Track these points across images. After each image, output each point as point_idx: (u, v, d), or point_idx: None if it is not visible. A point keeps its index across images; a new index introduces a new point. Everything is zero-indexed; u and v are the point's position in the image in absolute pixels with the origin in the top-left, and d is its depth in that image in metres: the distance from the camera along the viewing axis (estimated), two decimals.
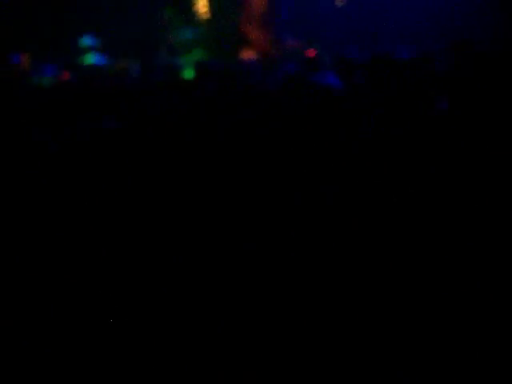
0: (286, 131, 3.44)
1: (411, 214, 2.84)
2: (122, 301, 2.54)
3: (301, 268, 2.64)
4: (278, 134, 3.44)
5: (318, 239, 2.77)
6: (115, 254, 2.77)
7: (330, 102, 3.60)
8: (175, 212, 3.03)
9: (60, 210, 3.05)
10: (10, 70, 7.52)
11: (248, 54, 8.23)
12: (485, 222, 2.73)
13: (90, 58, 8.68)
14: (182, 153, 3.43)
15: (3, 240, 2.84)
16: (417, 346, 2.22)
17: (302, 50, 7.92)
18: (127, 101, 4.28)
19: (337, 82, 3.62)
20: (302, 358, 2.23)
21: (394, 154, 3.18)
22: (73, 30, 8.57)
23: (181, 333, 2.35)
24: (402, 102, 3.50)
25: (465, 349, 2.18)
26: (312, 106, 3.58)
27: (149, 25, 8.75)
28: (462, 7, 8.26)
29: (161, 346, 2.29)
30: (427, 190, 2.95)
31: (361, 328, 2.33)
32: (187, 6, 9.10)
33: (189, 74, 6.99)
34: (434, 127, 3.30)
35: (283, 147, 3.34)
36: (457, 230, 2.72)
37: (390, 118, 3.42)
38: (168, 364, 2.23)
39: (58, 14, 8.48)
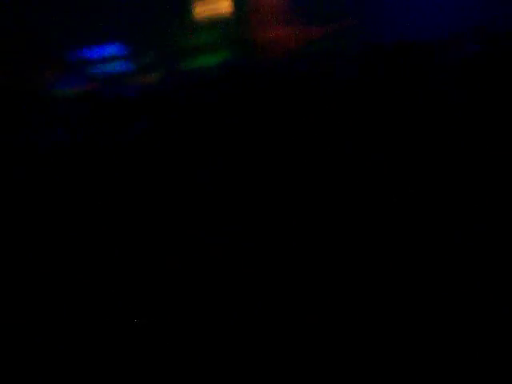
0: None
1: (410, 214, 2.81)
2: (122, 300, 2.56)
3: (300, 267, 2.63)
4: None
5: (316, 240, 2.75)
6: (116, 251, 2.80)
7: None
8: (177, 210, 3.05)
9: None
10: (35, 80, 7.60)
11: (270, 51, 8.23)
12: (486, 221, 2.70)
13: (115, 67, 8.74)
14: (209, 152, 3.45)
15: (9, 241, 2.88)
16: (416, 346, 2.20)
17: (328, 38, 7.85)
18: (157, 105, 4.31)
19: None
20: (301, 358, 2.22)
21: (396, 151, 3.17)
22: (95, 38, 8.64)
23: (180, 332, 2.36)
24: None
25: (464, 349, 2.17)
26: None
27: (170, 30, 8.80)
28: None
29: (160, 346, 2.30)
30: (428, 188, 2.93)
31: (360, 326, 2.32)
32: (206, 9, 9.12)
33: (214, 74, 7.01)
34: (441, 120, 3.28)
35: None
36: (457, 229, 2.70)
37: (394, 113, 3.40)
38: (167, 363, 2.24)
39: (79, 21, 8.54)
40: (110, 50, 8.90)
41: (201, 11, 9.16)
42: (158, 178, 3.37)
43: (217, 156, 3.42)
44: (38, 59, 8.06)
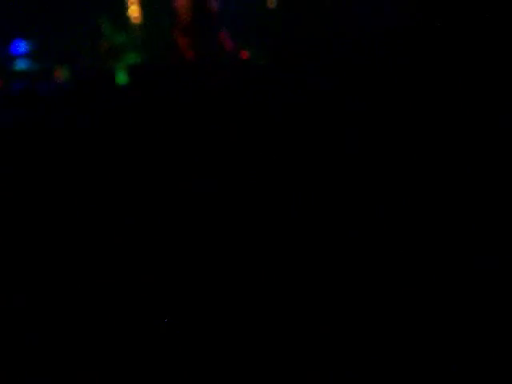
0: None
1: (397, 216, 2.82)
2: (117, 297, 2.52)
3: (298, 268, 2.62)
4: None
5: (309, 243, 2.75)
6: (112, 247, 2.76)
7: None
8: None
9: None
10: None
11: (178, 59, 8.29)
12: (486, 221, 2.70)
13: (21, 64, 8.60)
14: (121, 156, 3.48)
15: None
16: (416, 347, 2.22)
17: (236, 51, 7.93)
18: (63, 106, 4.32)
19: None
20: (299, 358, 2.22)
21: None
22: (3, 35, 8.49)
23: (177, 332, 2.33)
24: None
25: (464, 350, 2.18)
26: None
27: (80, 30, 8.74)
28: None
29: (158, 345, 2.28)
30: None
31: (359, 327, 2.32)
32: (119, 11, 9.13)
33: (122, 78, 7.03)
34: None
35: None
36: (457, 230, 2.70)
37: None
38: (165, 363, 2.22)
39: None
40: (21, 47, 8.75)
41: (119, 13, 9.14)
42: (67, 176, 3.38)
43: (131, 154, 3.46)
44: None
